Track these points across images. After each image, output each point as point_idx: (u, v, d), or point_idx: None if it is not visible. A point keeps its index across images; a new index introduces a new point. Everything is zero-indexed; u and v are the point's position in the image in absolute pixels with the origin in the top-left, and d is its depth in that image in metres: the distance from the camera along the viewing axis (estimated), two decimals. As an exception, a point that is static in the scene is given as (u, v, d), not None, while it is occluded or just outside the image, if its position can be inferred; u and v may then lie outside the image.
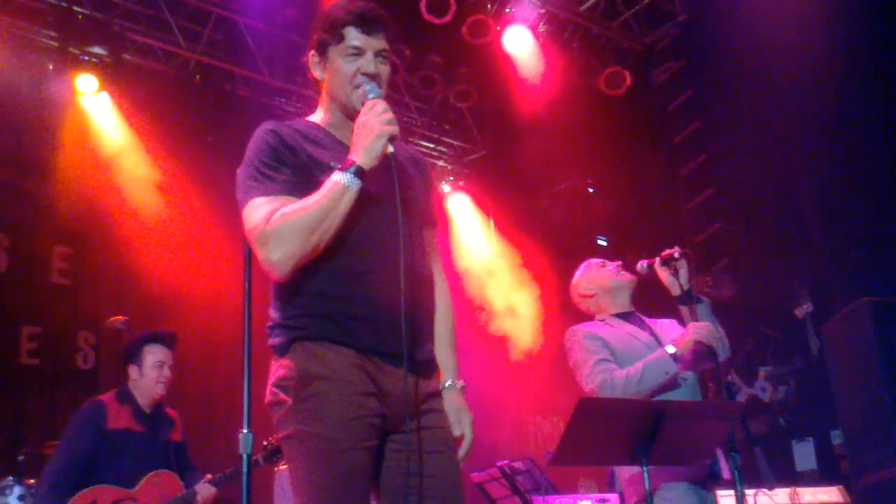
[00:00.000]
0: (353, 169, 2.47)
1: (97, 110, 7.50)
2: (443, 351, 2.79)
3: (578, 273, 4.40)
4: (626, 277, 4.25)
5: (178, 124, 7.66)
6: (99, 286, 7.45)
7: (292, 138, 2.65)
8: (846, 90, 6.31)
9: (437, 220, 2.94)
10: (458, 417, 2.71)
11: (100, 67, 7.32)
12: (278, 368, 2.59)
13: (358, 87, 2.65)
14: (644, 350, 3.95)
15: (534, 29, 8.21)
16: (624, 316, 4.21)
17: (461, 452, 2.69)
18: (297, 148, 2.63)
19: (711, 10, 7.76)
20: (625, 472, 3.94)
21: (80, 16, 7.16)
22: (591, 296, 4.30)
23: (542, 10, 8.19)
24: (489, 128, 9.53)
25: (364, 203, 2.52)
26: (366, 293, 2.54)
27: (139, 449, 4.71)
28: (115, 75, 7.40)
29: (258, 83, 8.33)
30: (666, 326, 4.19)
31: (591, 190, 8.87)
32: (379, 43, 2.67)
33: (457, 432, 2.70)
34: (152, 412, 4.90)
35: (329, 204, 2.46)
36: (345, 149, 2.62)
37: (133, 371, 4.89)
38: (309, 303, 2.56)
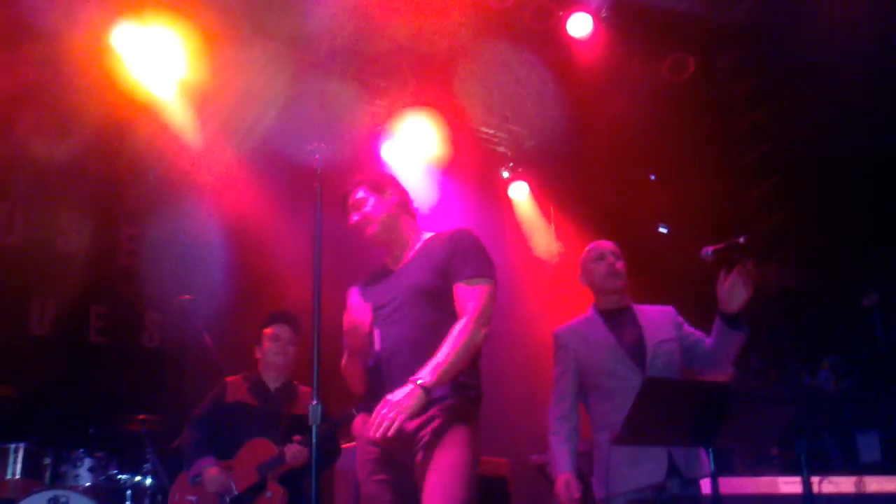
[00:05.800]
0: None
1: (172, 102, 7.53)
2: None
3: (582, 255, 4.38)
4: (612, 284, 4.21)
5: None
6: (165, 266, 7.59)
7: None
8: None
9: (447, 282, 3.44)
10: None
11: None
12: None
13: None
14: (607, 360, 4.02)
15: (596, 14, 8.15)
16: (611, 313, 4.19)
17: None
18: None
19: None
20: None
21: None
22: (587, 287, 4.33)
23: (606, -5, 8.12)
24: (549, 114, 9.47)
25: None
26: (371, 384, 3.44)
27: (248, 420, 5.06)
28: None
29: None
30: (655, 320, 4.15)
31: (652, 177, 8.79)
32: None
33: None
34: (280, 387, 5.25)
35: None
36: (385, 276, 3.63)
37: (257, 351, 5.32)
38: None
